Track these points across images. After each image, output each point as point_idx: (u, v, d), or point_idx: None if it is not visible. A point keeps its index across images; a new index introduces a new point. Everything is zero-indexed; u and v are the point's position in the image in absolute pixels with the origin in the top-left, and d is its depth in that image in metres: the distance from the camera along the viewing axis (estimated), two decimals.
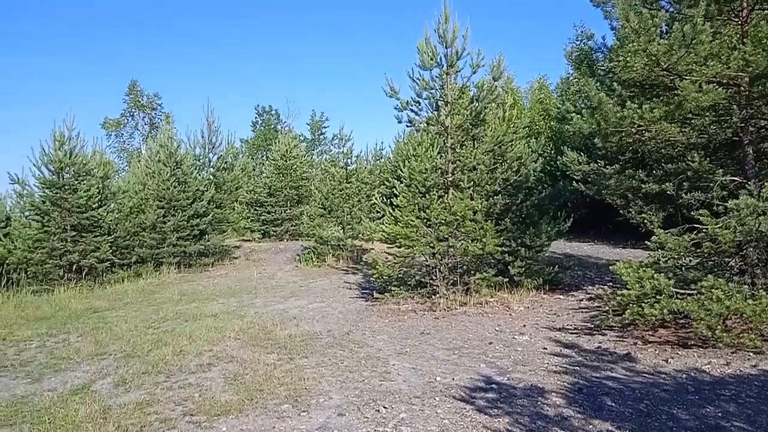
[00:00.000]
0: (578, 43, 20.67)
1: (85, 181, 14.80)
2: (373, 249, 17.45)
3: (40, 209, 14.28)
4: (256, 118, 53.41)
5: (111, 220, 15.92)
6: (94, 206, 14.74)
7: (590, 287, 10.84)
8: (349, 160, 18.83)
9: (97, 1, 77.53)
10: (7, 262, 13.86)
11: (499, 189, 10.65)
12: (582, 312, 9.15)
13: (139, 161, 23.41)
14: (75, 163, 14.68)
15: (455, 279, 10.42)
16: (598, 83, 8.30)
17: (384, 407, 5.18)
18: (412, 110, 10.79)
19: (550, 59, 78.15)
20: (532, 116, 22.75)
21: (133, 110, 51.81)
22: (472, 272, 10.43)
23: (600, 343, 7.37)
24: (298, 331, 8.44)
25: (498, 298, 10.19)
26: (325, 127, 50.38)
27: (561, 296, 10.33)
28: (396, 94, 10.66)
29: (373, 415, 5.00)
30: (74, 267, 14.42)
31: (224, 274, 16.12)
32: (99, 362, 7.00)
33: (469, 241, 9.99)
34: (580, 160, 9.75)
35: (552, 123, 21.33)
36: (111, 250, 14.99)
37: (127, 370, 6.55)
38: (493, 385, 5.82)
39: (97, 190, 15.02)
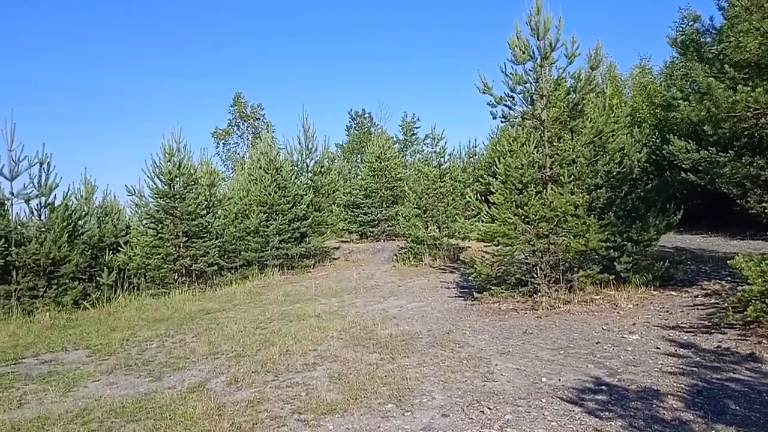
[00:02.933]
0: (683, 26, 19.52)
1: (192, 190, 15.70)
2: (469, 247, 17.28)
3: (155, 217, 15.30)
4: (350, 122, 54.52)
5: (218, 226, 16.81)
6: (202, 213, 15.60)
7: (706, 282, 10.14)
8: (442, 159, 18.74)
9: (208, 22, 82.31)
10: (128, 267, 14.95)
11: (601, 182, 10.21)
12: (697, 309, 8.59)
13: (242, 169, 24.52)
14: (183, 173, 15.58)
15: (557, 276, 10.11)
16: (707, 67, 7.75)
17: (488, 408, 5.12)
18: (505, 105, 10.59)
19: (653, 43, 73.70)
20: (635, 104, 21.66)
21: (237, 120, 54.63)
22: (576, 269, 10.07)
23: (719, 342, 6.89)
24: (398, 331, 8.52)
25: (604, 296, 9.79)
26: (416, 128, 50.48)
27: (673, 293, 9.75)
28: (489, 90, 10.51)
29: (477, 416, 4.95)
30: (186, 271, 15.34)
31: (325, 275, 16.54)
32: (213, 361, 7.40)
33: (571, 238, 9.66)
34: (689, 148, 9.17)
35: (657, 110, 20.17)
36: (219, 254, 15.82)
37: (238, 369, 6.87)
38: (603, 387, 5.59)
39: (204, 198, 15.91)
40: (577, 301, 9.62)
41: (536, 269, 10.18)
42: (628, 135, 11.07)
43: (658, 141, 17.66)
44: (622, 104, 19.60)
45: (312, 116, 78.70)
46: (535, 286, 10.10)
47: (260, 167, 18.50)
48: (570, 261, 10.11)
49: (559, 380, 5.88)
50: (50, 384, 6.67)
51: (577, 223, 9.63)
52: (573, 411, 4.97)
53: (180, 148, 15.71)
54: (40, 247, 12.15)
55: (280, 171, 18.37)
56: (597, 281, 9.88)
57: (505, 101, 10.58)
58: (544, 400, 5.28)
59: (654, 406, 4.97)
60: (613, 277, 9.81)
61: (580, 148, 10.20)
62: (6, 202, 12.46)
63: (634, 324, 8.11)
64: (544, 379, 5.94)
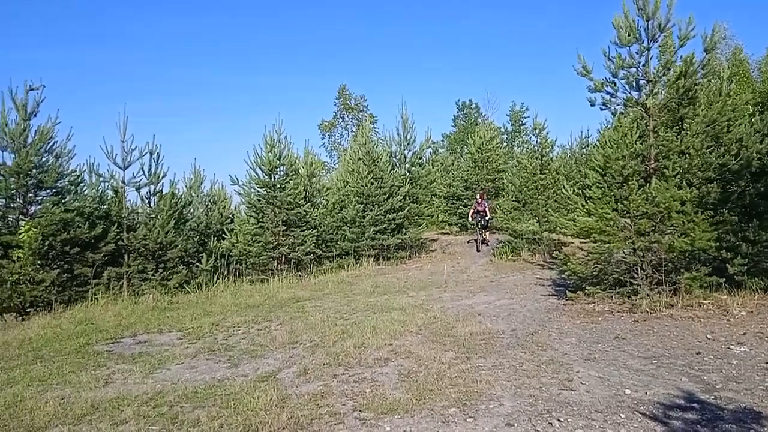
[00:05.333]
0: None
1: (292, 180, 16.09)
2: (572, 243, 16.44)
3: (256, 206, 15.86)
4: (456, 112, 53.97)
5: (316, 216, 17.14)
6: (300, 203, 15.97)
7: None
8: (544, 150, 17.90)
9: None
10: (230, 254, 15.61)
11: (713, 176, 9.26)
12: None
13: (343, 160, 24.91)
14: (284, 163, 16.02)
15: (660, 278, 9.30)
16: None
17: (558, 420, 4.73)
18: (606, 92, 9.86)
19: None
20: (765, 89, 19.58)
21: (342, 112, 55.87)
22: (682, 270, 9.21)
23: None
24: (479, 329, 8.19)
25: (713, 301, 8.88)
26: (525, 117, 49.07)
27: None
28: (588, 74, 9.83)
29: (544, 428, 4.58)
30: (285, 259, 15.78)
31: (419, 267, 16.42)
32: (290, 351, 7.47)
33: (676, 236, 8.84)
34: None
35: None
36: (316, 244, 16.13)
37: (311, 360, 6.88)
38: (695, 404, 5.01)
39: (303, 188, 16.26)
40: (682, 306, 8.80)
41: (636, 269, 9.42)
42: (748, 124, 9.92)
43: None
44: (745, 91, 17.76)
45: (420, 107, 79.02)
46: (635, 287, 9.35)
47: (359, 158, 18.68)
48: (675, 261, 9.26)
49: (646, 393, 5.34)
50: (137, 365, 7.01)
51: (684, 221, 8.80)
52: (654, 430, 4.48)
53: (281, 139, 16.15)
54: (149, 233, 12.96)
55: (377, 162, 18.43)
56: (706, 284, 8.98)
57: (607, 87, 9.87)
58: (623, 415, 4.80)
59: (751, 430, 4.37)
60: (725, 280, 8.88)
61: (690, 139, 9.31)
62: (119, 189, 13.38)
63: (744, 334, 7.27)
64: (628, 391, 5.42)
